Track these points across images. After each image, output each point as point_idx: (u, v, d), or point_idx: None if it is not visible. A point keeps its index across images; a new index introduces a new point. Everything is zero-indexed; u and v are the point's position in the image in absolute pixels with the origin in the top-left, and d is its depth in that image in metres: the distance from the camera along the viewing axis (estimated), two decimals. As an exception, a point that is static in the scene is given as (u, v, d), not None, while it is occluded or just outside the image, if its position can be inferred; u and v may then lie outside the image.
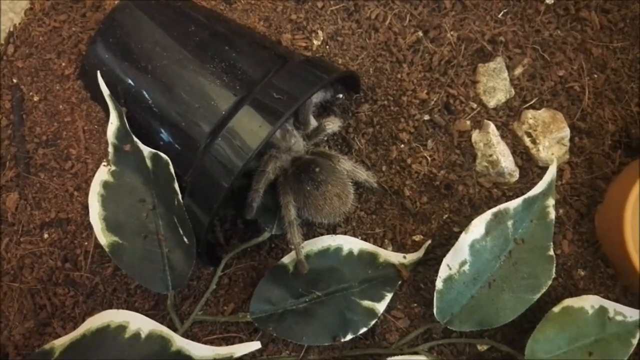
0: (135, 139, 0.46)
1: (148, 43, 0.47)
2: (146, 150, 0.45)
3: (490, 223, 0.47)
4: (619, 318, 0.47)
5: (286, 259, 0.49)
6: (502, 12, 0.55)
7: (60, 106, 0.51)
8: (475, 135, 0.53)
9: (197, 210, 0.43)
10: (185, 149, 0.45)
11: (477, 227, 0.47)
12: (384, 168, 0.52)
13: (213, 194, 0.41)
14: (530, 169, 0.52)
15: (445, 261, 0.47)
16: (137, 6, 0.49)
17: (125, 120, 0.46)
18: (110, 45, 0.49)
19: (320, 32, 0.53)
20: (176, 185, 0.44)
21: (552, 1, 0.55)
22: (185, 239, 0.45)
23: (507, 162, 0.51)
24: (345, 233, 0.51)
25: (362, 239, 0.51)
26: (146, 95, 0.46)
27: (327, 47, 0.52)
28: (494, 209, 0.47)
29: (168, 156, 0.45)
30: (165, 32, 0.47)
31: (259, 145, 0.39)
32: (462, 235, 0.46)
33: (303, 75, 0.44)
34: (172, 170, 0.44)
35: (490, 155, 0.51)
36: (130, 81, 0.47)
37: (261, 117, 0.40)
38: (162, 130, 0.46)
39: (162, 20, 0.48)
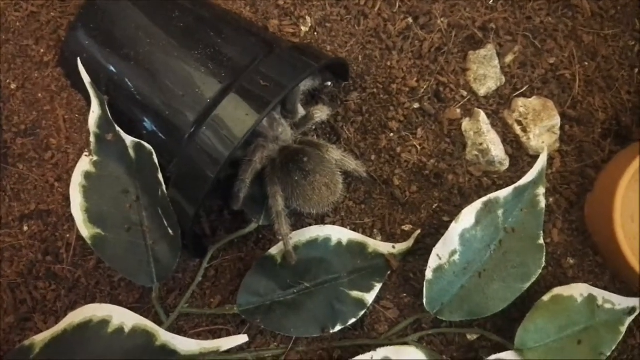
0: (118, 128, 0.46)
1: (130, 29, 0.47)
2: (129, 139, 0.45)
3: (481, 212, 0.48)
4: (607, 306, 0.49)
5: (274, 250, 0.50)
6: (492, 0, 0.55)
7: (40, 94, 0.50)
8: (466, 124, 0.54)
9: (183, 201, 0.43)
10: (169, 138, 0.45)
11: (467, 216, 0.48)
12: (373, 157, 0.53)
13: (198, 184, 0.41)
14: (521, 157, 0.53)
15: (435, 251, 0.48)
16: None
17: (107, 109, 0.46)
18: (91, 31, 0.49)
19: (308, 18, 0.53)
20: (160, 176, 0.45)
21: (544, -13, 0.56)
22: (170, 231, 0.45)
23: (497, 150, 0.52)
24: (334, 223, 0.52)
25: (351, 229, 0.52)
26: (129, 83, 0.46)
27: (315, 33, 0.53)
28: (484, 198, 0.48)
29: (152, 146, 0.46)
30: (149, 17, 0.47)
31: (246, 134, 0.39)
32: (452, 225, 0.47)
33: (290, 63, 0.44)
34: (156, 160, 0.45)
35: (481, 144, 0.52)
36: (112, 68, 0.47)
37: (247, 105, 0.41)
38: (146, 119, 0.46)
39: (145, 5, 0.48)
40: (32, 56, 0.52)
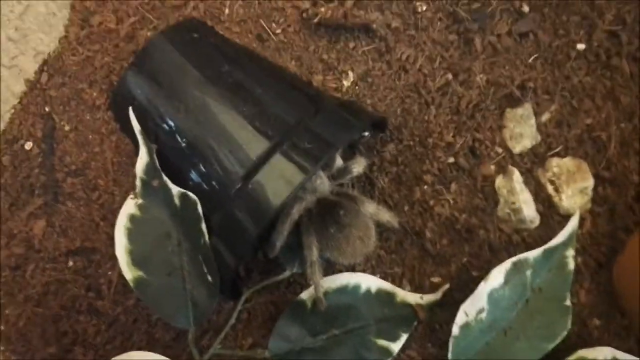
0: (165, 178, 0.48)
1: (180, 81, 0.50)
2: (175, 189, 0.48)
3: (510, 272, 0.49)
4: (632, 371, 0.49)
5: (304, 295, 0.52)
6: (532, 57, 0.57)
7: (90, 136, 0.53)
8: (499, 181, 0.55)
9: (224, 252, 0.46)
10: (213, 191, 0.47)
11: (497, 276, 0.49)
12: (406, 208, 0.55)
13: (241, 240, 0.44)
14: (551, 216, 0.55)
15: (462, 308, 0.49)
16: (170, 42, 0.51)
17: (155, 157, 0.49)
18: (142, 79, 0.51)
19: (350, 73, 0.55)
20: (203, 226, 0.47)
21: (584, 47, 0.56)
22: (209, 277, 0.47)
23: (529, 210, 0.53)
24: (364, 271, 0.54)
25: (380, 277, 0.54)
26: (177, 134, 0.49)
27: (357, 87, 0.55)
28: (514, 259, 0.49)
29: (196, 195, 0.47)
30: (199, 71, 0.49)
31: (289, 196, 0.41)
32: (482, 284, 0.49)
33: (337, 122, 0.47)
34: (200, 211, 0.47)
35: (513, 203, 0.53)
36: (160, 118, 0.50)
37: (293, 166, 0.43)
38: (192, 170, 0.48)
39: (196, 58, 0.50)
40: (85, 99, 0.55)
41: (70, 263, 0.53)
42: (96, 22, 0.57)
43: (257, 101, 0.49)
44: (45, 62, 0.57)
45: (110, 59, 0.56)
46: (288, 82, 0.53)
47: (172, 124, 0.50)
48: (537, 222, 0.55)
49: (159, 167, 0.50)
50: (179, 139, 0.49)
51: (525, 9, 0.58)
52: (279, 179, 0.44)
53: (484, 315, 0.50)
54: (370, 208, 0.52)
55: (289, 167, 0.44)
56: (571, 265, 0.51)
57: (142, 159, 0.51)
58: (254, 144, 0.46)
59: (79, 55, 0.56)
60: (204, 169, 0.49)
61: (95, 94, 0.55)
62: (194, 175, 0.49)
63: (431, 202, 0.55)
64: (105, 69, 0.56)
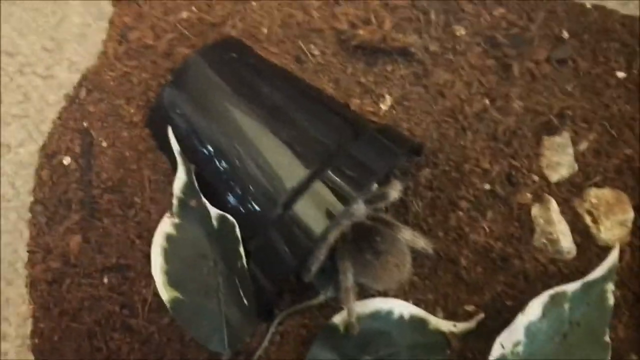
0: (203, 199, 0.48)
1: (218, 102, 0.50)
2: (214, 211, 0.48)
3: (548, 305, 0.49)
4: (669, 410, 0.49)
5: (337, 319, 0.52)
6: (571, 85, 0.56)
7: (127, 153, 0.54)
8: (536, 210, 0.54)
9: (262, 278, 0.45)
10: (251, 215, 0.48)
11: (534, 308, 0.48)
12: (440, 234, 0.54)
13: (278, 268, 0.44)
14: (589, 247, 0.54)
15: (499, 340, 0.49)
16: (208, 61, 0.51)
17: (194, 177, 0.49)
18: (179, 98, 0.52)
19: (387, 97, 0.55)
20: (241, 249, 0.47)
21: (623, 75, 0.56)
22: (245, 301, 0.47)
23: (566, 241, 0.53)
24: (397, 296, 0.54)
25: (413, 303, 0.53)
26: (215, 157, 0.49)
27: (394, 111, 0.55)
28: (552, 291, 0.49)
29: (233, 217, 0.47)
30: (237, 93, 0.49)
31: (329, 227, 0.41)
32: (519, 317, 0.48)
33: (376, 149, 0.46)
34: (239, 234, 0.47)
35: (550, 234, 0.52)
36: (198, 139, 0.50)
37: (333, 195, 0.43)
38: (229, 193, 0.48)
39: (234, 79, 0.50)
40: (123, 116, 0.55)
41: (106, 280, 0.53)
42: (134, 38, 0.57)
43: (296, 125, 0.49)
44: (84, 77, 0.57)
45: (147, 75, 0.56)
46: (326, 106, 0.52)
47: (209, 145, 0.50)
48: (573, 252, 0.54)
49: (198, 188, 0.50)
50: (217, 161, 0.50)
51: (565, 35, 0.58)
52: (319, 208, 0.43)
53: (520, 348, 0.50)
54: (406, 235, 0.52)
55: (329, 195, 0.44)
56: (611, 300, 0.50)
57: (180, 178, 0.51)
58: (294, 170, 0.46)
59: (117, 71, 0.57)
60: (242, 193, 0.49)
61: (132, 110, 0.55)
62: (231, 197, 0.49)
63: (466, 229, 0.54)
64: (143, 86, 0.56)
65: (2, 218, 0.61)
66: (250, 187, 0.48)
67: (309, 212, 0.44)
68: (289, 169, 0.46)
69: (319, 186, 0.44)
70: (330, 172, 0.45)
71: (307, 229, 0.43)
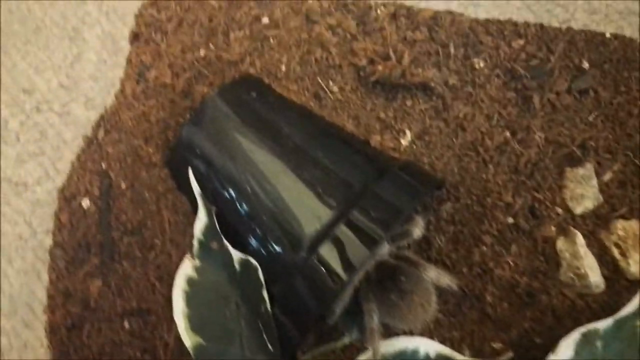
0: (225, 242, 0.47)
1: (238, 142, 0.49)
2: (236, 254, 0.47)
3: (579, 344, 0.48)
4: None
5: (362, 358, 0.50)
6: (593, 115, 0.55)
7: (147, 194, 0.53)
8: (561, 243, 0.53)
9: (286, 323, 0.44)
10: (274, 259, 0.47)
11: (565, 348, 0.47)
12: (464, 270, 0.53)
13: (302, 314, 0.43)
14: (618, 281, 0.53)
15: (530, 380, 0.47)
16: (227, 101, 0.51)
17: (215, 219, 0.48)
18: (199, 139, 0.51)
19: (408, 132, 0.54)
20: (265, 293, 0.46)
21: (646, 104, 0.55)
22: (270, 346, 0.46)
23: (595, 276, 0.51)
24: (422, 334, 0.52)
25: (439, 341, 0.52)
26: (235, 199, 0.48)
27: (414, 146, 0.54)
28: (583, 329, 0.48)
29: (255, 260, 0.46)
30: (257, 133, 0.49)
31: (355, 274, 0.40)
32: (550, 357, 0.47)
33: (400, 188, 0.46)
34: (262, 278, 0.46)
35: (578, 269, 0.51)
36: (218, 180, 0.50)
37: (359, 238, 0.42)
38: (251, 236, 0.47)
39: (254, 119, 0.50)
40: (142, 156, 0.55)
41: (126, 324, 0.52)
42: (152, 77, 0.57)
43: (318, 165, 0.48)
44: (102, 117, 0.57)
45: (166, 114, 0.56)
46: (348, 144, 0.52)
47: (230, 186, 0.50)
48: (602, 287, 0.53)
49: (219, 230, 0.49)
50: (238, 203, 0.49)
51: (585, 65, 0.57)
52: (344, 252, 0.43)
53: (553, 388, 0.49)
54: (431, 273, 0.51)
55: (355, 238, 0.43)
56: (644, 336, 0.49)
57: (201, 220, 0.50)
58: (317, 212, 0.45)
59: (135, 111, 0.56)
60: (263, 235, 0.48)
61: (151, 150, 0.55)
62: (253, 240, 0.49)
63: (491, 264, 0.53)
64: (161, 125, 0.56)
65: (19, 258, 0.61)
66: (273, 230, 0.47)
67: (334, 257, 0.43)
68: (312, 210, 0.45)
69: (343, 229, 0.43)
70: (355, 214, 0.44)
71: (333, 274, 0.42)
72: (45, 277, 0.59)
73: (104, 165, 0.56)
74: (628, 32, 0.62)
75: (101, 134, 0.58)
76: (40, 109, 0.65)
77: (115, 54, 0.66)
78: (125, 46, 0.66)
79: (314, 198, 0.46)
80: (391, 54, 0.56)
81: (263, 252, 0.48)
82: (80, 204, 0.56)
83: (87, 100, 0.65)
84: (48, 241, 0.61)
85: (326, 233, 0.44)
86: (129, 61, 0.59)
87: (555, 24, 0.64)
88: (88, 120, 0.64)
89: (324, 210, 0.45)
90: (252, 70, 0.58)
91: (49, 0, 0.68)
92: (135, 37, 0.59)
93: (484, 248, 0.55)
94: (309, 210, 0.46)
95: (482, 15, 0.65)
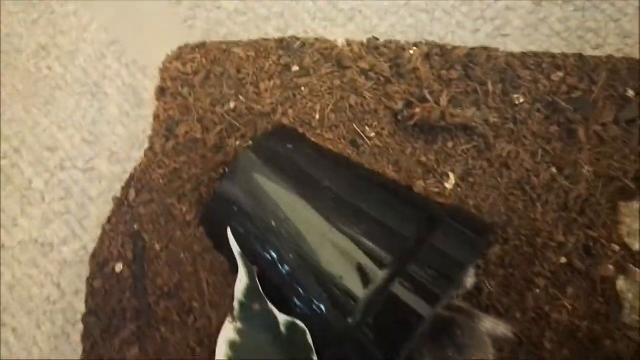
0: (268, 303, 0.45)
1: (277, 200, 0.48)
2: (281, 317, 0.45)
3: (652, 394, 0.44)
4: None
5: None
6: (642, 144, 0.53)
7: (182, 255, 0.51)
8: (621, 283, 0.51)
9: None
10: (321, 323, 0.45)
11: (639, 399, 0.44)
12: (518, 315, 0.51)
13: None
14: (685, 320, 0.49)
15: None
16: (262, 155, 0.49)
17: (257, 280, 0.45)
18: (235, 195, 0.50)
19: (451, 175, 0.52)
20: (315, 358, 0.43)
21: (699, 131, 0.53)
22: (322, 413, 0.43)
23: (662, 318, 0.48)
24: (478, 387, 0.49)
25: (497, 394, 0.49)
26: (276, 258, 0.46)
27: (459, 189, 0.52)
28: (656, 378, 0.44)
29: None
30: (296, 189, 0.47)
31: (413, 340, 0.37)
32: (624, 410, 0.43)
33: (457, 240, 0.43)
34: (311, 342, 0.44)
35: (643, 310, 0.48)
36: (258, 240, 0.48)
37: (417, 297, 0.39)
38: (295, 298, 0.45)
39: (291, 174, 0.49)
40: (175, 215, 0.53)
41: (167, 393, 0.50)
42: (181, 132, 0.56)
43: (364, 218, 0.46)
44: (132, 177, 0.56)
45: (198, 170, 0.55)
46: (391, 192, 0.50)
47: (270, 245, 0.48)
48: (669, 328, 0.50)
49: (262, 292, 0.47)
50: (280, 263, 0.47)
51: (630, 93, 0.55)
52: (402, 315, 0.40)
53: None
54: (487, 324, 0.48)
55: (414, 298, 0.40)
56: None
57: (242, 281, 0.48)
58: (369, 272, 0.43)
59: (166, 168, 0.55)
60: (309, 298, 0.46)
61: (185, 209, 0.54)
62: (298, 302, 0.46)
63: (546, 308, 0.51)
64: (194, 182, 0.54)
65: (48, 322, 0.59)
66: (319, 291, 0.45)
67: (391, 321, 0.41)
68: (363, 269, 0.44)
69: (400, 287, 0.41)
70: (411, 271, 0.42)
71: (390, 342, 0.40)
72: (75, 339, 0.57)
73: (136, 227, 0.55)
74: (671, 55, 0.60)
75: (132, 194, 0.56)
76: (64, 167, 0.65)
77: (138, 106, 0.66)
78: (148, 97, 0.65)
79: (363, 255, 0.44)
80: (428, 95, 0.55)
81: (309, 314, 0.46)
82: (113, 269, 0.54)
83: (111, 155, 0.64)
84: (77, 303, 0.60)
85: (380, 293, 0.42)
86: (156, 117, 0.58)
87: (588, 50, 0.63)
88: (113, 175, 0.63)
89: (376, 268, 0.43)
90: (285, 121, 0.56)
91: (69, 56, 0.68)
92: (161, 92, 0.58)
93: (538, 291, 0.52)
94: (358, 269, 0.44)
95: (511, 45, 0.64)
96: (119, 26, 0.70)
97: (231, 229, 0.50)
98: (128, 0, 0.70)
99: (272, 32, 0.67)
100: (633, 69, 0.57)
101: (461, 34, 0.64)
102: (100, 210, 0.63)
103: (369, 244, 0.44)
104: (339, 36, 0.61)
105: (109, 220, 0.55)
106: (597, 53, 0.61)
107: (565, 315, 0.51)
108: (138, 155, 0.61)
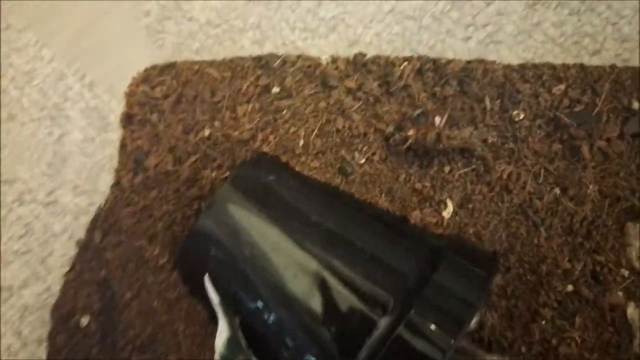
0: (253, 357, 0.40)
1: (260, 238, 0.44)
2: (269, 372, 0.40)
3: None
4: None
5: None
6: (650, 160, 0.49)
7: (155, 303, 0.48)
8: (632, 311, 0.48)
9: None
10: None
11: None
12: (523, 349, 0.48)
13: None
14: (701, 348, 0.46)
15: None
16: (243, 189, 0.46)
17: (239, 331, 0.41)
18: (213, 235, 0.46)
19: (449, 202, 0.48)
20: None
21: None
22: None
23: (678, 348, 0.45)
24: None
25: None
26: (261, 306, 0.42)
27: (457, 217, 0.49)
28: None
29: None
30: (281, 225, 0.44)
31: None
32: None
33: (462, 277, 0.40)
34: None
35: (657, 341, 0.45)
36: (239, 286, 0.44)
37: (424, 342, 0.35)
38: (283, 351, 0.41)
39: (277, 208, 0.45)
40: (147, 258, 0.49)
41: None
42: (151, 165, 0.52)
43: (359, 257, 0.43)
44: (97, 217, 0.50)
45: (170, 207, 0.51)
46: (387, 225, 0.47)
47: (254, 294, 0.44)
48: (685, 358, 0.47)
49: (245, 344, 0.42)
50: (265, 313, 0.42)
51: (636, 105, 0.52)
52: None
53: None
54: (494, 364, 0.44)
55: (419, 344, 0.36)
56: None
57: (223, 332, 0.44)
58: (369, 318, 0.40)
59: (135, 206, 0.50)
60: (299, 350, 0.42)
61: (157, 251, 0.49)
62: (286, 354, 0.42)
63: (553, 341, 0.48)
64: (166, 220, 0.50)
65: (7, 376, 0.53)
66: (312, 343, 0.41)
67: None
68: (363, 316, 0.40)
69: (405, 334, 0.37)
70: (417, 315, 0.38)
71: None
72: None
73: (103, 274, 0.50)
74: (666, 58, 0.57)
75: (97, 237, 0.52)
76: (23, 200, 0.59)
77: (104, 129, 0.60)
78: (115, 120, 0.60)
79: (361, 300, 0.40)
80: (421, 115, 0.50)
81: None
82: (78, 323, 0.50)
83: (75, 186, 0.59)
84: (41, 353, 0.55)
85: (383, 342, 0.38)
86: (122, 147, 0.53)
87: (586, 57, 0.59)
88: (78, 208, 0.58)
89: (375, 315, 0.39)
90: (265, 148, 0.52)
91: (25, 77, 0.61)
92: (127, 119, 0.53)
93: (544, 323, 0.49)
94: (357, 316, 0.40)
95: (504, 52, 0.60)
96: (81, 42, 0.64)
97: (209, 274, 0.45)
98: (90, 12, 0.64)
99: (249, 44, 0.62)
100: (637, 78, 0.53)
101: (451, 42, 0.60)
102: (65, 247, 0.58)
103: (367, 285, 0.41)
104: (321, 47, 0.57)
105: (72, 268, 0.50)
106: (595, 59, 0.57)
107: (574, 348, 0.48)
108: (105, 185, 0.56)
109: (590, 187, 0.53)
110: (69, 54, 0.64)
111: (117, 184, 0.53)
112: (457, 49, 0.62)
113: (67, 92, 0.63)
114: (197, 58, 0.62)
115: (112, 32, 0.65)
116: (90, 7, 0.64)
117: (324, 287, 0.42)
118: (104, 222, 0.53)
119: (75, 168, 0.61)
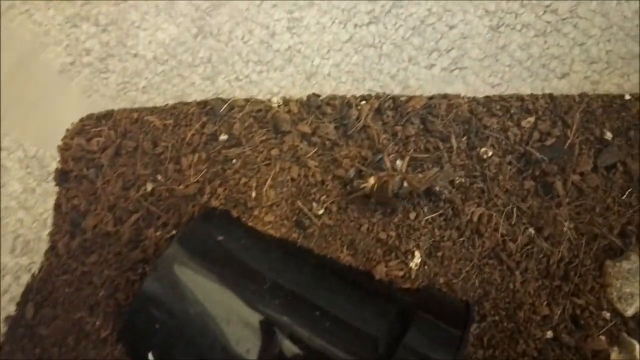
0: None
1: (211, 303, 0.41)
2: None
3: None
4: None
5: None
6: (626, 193, 0.47)
7: None
8: (616, 356, 0.44)
9: None
10: None
11: None
12: (504, 403, 0.43)
13: None
14: (688, 392, 0.44)
15: None
16: (189, 250, 0.43)
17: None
18: (159, 300, 0.42)
19: (416, 251, 0.45)
20: None
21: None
22: None
23: (665, 397, 0.42)
24: None
25: None
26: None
27: (426, 267, 0.46)
28: None
29: None
30: (234, 288, 0.40)
31: None
32: None
33: (431, 339, 0.37)
34: None
35: (644, 388, 0.42)
36: (190, 356, 0.37)
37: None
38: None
39: (227, 269, 0.42)
40: (87, 332, 0.45)
41: None
42: (89, 226, 0.48)
43: (323, 321, 0.40)
44: (29, 288, 0.44)
45: (112, 272, 0.47)
46: (351, 283, 0.44)
47: None
48: (672, 400, 0.45)
49: None
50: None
51: (608, 135, 0.50)
52: None
53: None
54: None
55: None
56: None
57: None
58: None
59: (72, 273, 0.47)
60: None
61: (98, 322, 0.46)
62: None
63: (536, 394, 0.44)
64: (108, 287, 0.47)
65: None
66: None
67: None
68: None
69: None
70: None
71: None
72: None
73: (37, 352, 0.45)
74: (635, 80, 0.54)
75: (30, 311, 0.47)
76: None
77: (45, 179, 0.55)
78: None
79: None
80: (385, 158, 0.47)
81: None
82: None
83: (14, 248, 0.53)
84: None
85: None
86: (57, 208, 0.49)
87: (554, 81, 0.56)
88: (20, 268, 0.51)
89: None
90: (214, 202, 0.49)
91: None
92: (62, 176, 0.48)
93: (524, 373, 0.46)
94: None
95: (470, 78, 0.57)
96: (10, 88, 0.58)
97: (156, 347, 0.40)
98: (22, 52, 0.59)
99: (199, 81, 0.58)
100: (609, 107, 0.51)
101: (414, 70, 0.57)
102: (6, 311, 0.52)
103: (333, 352, 0.38)
104: (277, 81, 0.53)
105: (0, 348, 0.44)
106: (564, 83, 0.56)
107: (558, 400, 0.45)
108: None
109: (566, 225, 0.51)
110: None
111: (51, 249, 0.50)
112: (420, 76, 0.59)
113: (4, 139, 0.58)
114: (145, 97, 0.58)
115: (46, 75, 0.60)
116: (22, 47, 0.60)
117: (283, 358, 0.39)
118: (36, 294, 0.48)
119: (15, 224, 0.56)
